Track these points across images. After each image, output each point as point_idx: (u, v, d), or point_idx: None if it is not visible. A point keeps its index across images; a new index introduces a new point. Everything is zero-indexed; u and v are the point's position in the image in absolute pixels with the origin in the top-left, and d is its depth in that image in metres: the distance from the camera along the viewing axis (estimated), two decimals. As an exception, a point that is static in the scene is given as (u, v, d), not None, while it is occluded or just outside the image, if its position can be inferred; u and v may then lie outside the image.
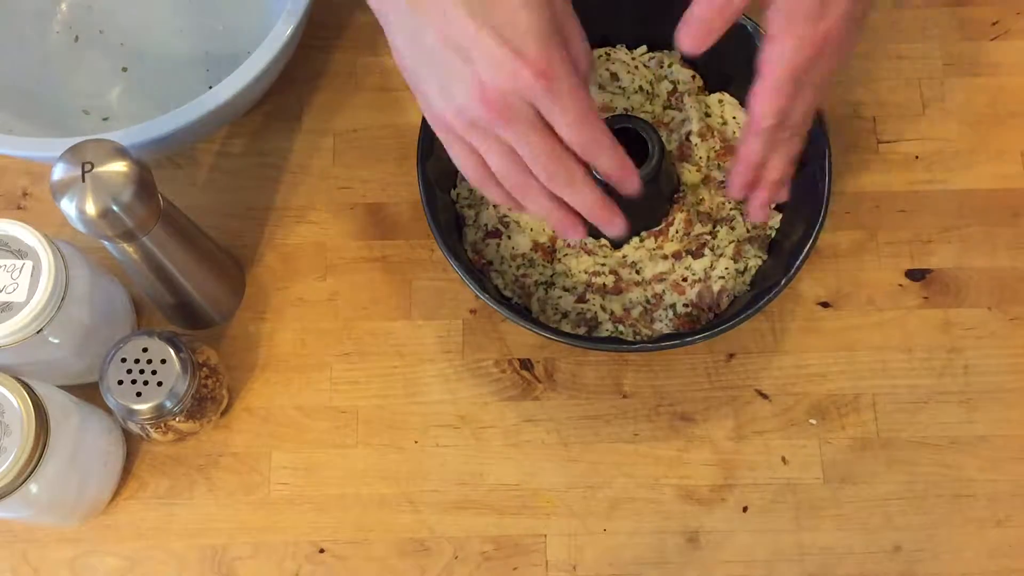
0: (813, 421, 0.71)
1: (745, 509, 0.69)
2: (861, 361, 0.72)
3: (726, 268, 0.69)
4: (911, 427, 0.71)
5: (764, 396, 0.72)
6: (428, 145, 0.68)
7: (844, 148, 0.77)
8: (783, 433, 0.71)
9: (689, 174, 0.70)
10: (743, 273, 0.69)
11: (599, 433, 0.71)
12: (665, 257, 0.69)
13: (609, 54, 0.74)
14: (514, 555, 0.68)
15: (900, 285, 0.74)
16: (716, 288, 0.69)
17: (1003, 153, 0.77)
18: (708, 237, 0.70)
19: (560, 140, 0.53)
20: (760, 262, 0.70)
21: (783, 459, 0.70)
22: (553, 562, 0.68)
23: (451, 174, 0.73)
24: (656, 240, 0.69)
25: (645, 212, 0.69)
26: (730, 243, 0.69)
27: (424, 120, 0.67)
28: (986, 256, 0.74)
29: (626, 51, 0.74)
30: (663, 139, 0.67)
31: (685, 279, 0.69)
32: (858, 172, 0.77)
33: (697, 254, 0.69)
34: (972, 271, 0.74)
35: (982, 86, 0.79)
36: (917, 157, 0.77)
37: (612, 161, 0.55)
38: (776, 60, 0.53)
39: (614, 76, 0.73)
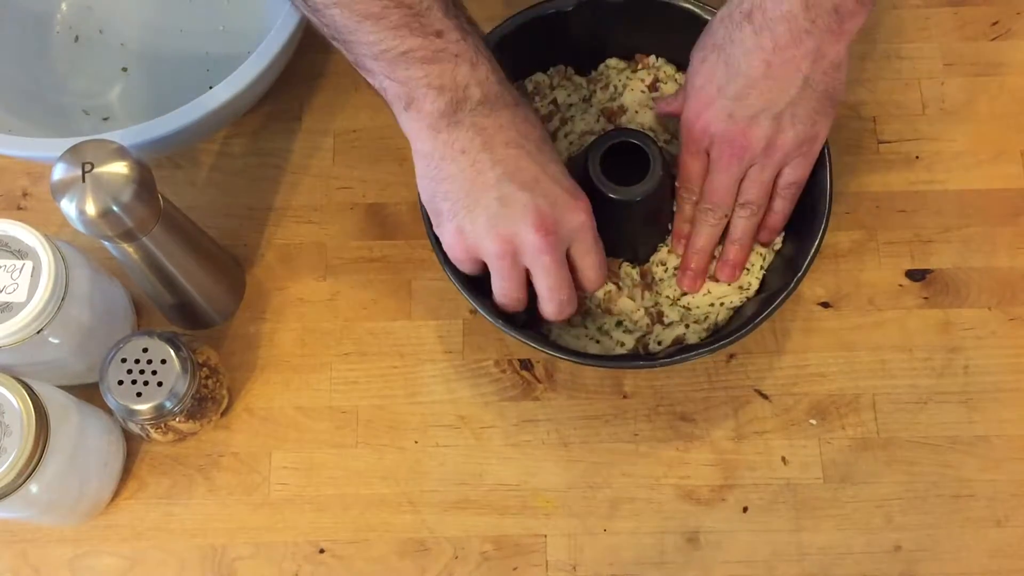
0: (813, 421, 0.71)
1: (745, 509, 0.69)
2: (861, 361, 0.72)
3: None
4: (911, 427, 0.71)
5: (764, 396, 0.72)
6: None
7: (844, 148, 0.77)
8: (783, 433, 0.71)
9: None
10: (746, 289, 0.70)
11: (599, 433, 0.71)
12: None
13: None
14: (514, 555, 0.68)
15: (900, 285, 0.74)
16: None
17: (1003, 153, 0.77)
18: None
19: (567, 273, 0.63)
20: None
21: (783, 459, 0.70)
22: (553, 562, 0.68)
23: None
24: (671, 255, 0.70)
25: (654, 225, 0.69)
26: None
27: None
28: (986, 256, 0.74)
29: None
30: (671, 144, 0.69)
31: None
32: (858, 172, 0.77)
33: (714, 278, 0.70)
34: (972, 271, 0.74)
35: (982, 86, 0.79)
36: (917, 157, 0.77)
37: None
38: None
39: (653, 87, 0.74)
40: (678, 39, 0.70)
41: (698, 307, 0.69)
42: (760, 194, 0.66)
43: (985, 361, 0.72)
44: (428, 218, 0.65)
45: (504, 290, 0.63)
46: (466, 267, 0.64)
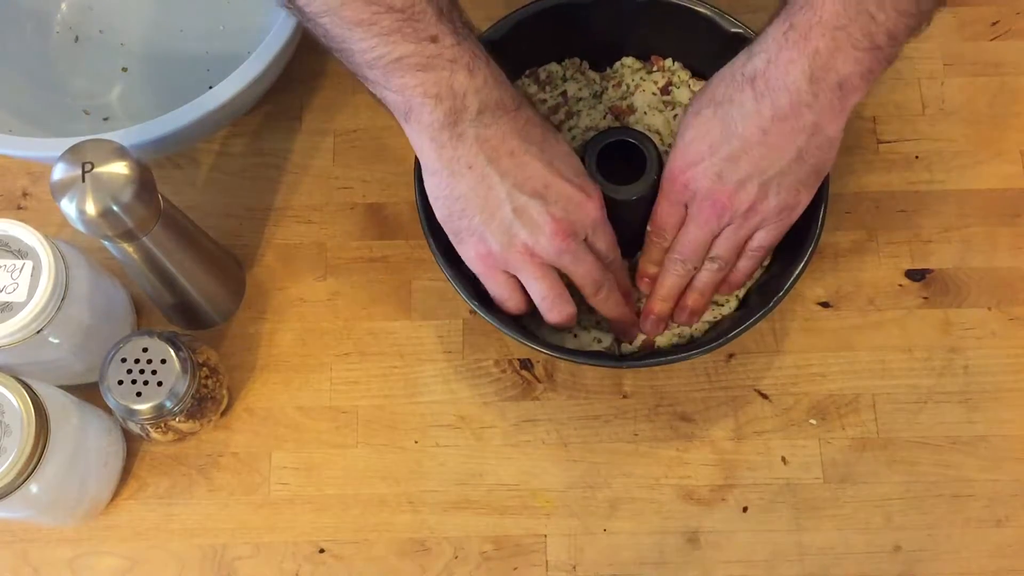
0: (813, 421, 0.71)
1: (745, 509, 0.69)
2: (861, 361, 0.72)
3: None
4: (911, 427, 0.71)
5: (764, 396, 0.72)
6: None
7: (844, 148, 0.76)
8: (783, 433, 0.71)
9: None
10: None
11: (599, 433, 0.71)
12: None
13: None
14: (514, 555, 0.68)
15: (900, 285, 0.74)
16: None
17: (1003, 153, 0.77)
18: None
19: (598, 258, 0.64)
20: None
21: (783, 459, 0.70)
22: (553, 562, 0.68)
23: None
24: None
25: (644, 226, 0.69)
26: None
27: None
28: (986, 256, 0.74)
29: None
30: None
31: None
32: (858, 172, 0.77)
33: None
34: (972, 271, 0.74)
35: (982, 86, 0.79)
36: (917, 157, 0.77)
37: (626, 279, 0.68)
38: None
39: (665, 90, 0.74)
40: (697, 45, 0.70)
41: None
42: (731, 252, 0.65)
43: (985, 361, 0.72)
44: (426, 216, 0.65)
45: (543, 291, 0.63)
46: (492, 280, 0.64)
